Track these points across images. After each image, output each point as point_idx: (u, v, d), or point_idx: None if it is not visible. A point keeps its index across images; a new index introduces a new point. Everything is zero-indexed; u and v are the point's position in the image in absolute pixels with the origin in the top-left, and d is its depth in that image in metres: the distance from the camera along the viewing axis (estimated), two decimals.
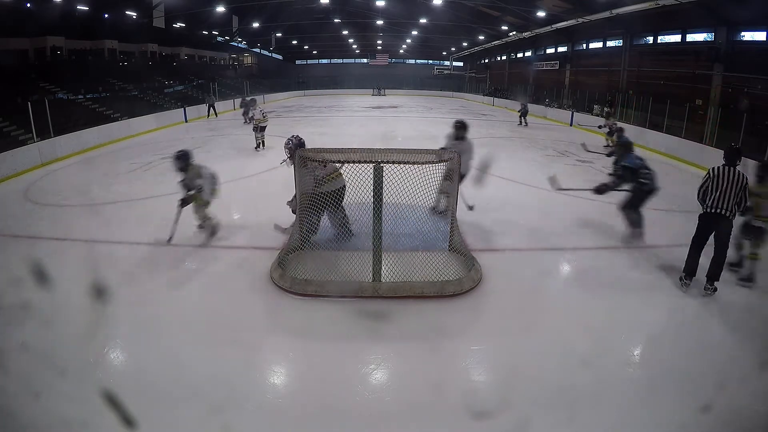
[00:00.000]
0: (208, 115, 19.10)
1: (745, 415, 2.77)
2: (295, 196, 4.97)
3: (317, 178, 4.63)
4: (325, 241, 4.79)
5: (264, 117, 11.29)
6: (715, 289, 4.10)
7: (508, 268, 4.74)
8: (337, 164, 4.60)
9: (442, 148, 5.64)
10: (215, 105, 19.66)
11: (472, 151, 5.91)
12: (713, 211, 4.09)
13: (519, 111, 18.59)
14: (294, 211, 4.99)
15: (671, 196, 7.81)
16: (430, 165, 4.13)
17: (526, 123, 17.96)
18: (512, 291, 4.31)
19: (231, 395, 2.85)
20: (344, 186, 4.65)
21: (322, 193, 4.55)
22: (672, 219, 6.55)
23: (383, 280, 4.13)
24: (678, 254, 5.29)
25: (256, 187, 7.89)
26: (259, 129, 11.02)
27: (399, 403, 2.87)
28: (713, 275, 4.09)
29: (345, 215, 4.86)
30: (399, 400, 2.90)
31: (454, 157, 4.44)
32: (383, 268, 4.13)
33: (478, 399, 2.92)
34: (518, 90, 26.17)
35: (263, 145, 11.08)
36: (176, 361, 3.18)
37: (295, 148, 5.15)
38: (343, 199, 4.75)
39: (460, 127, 5.99)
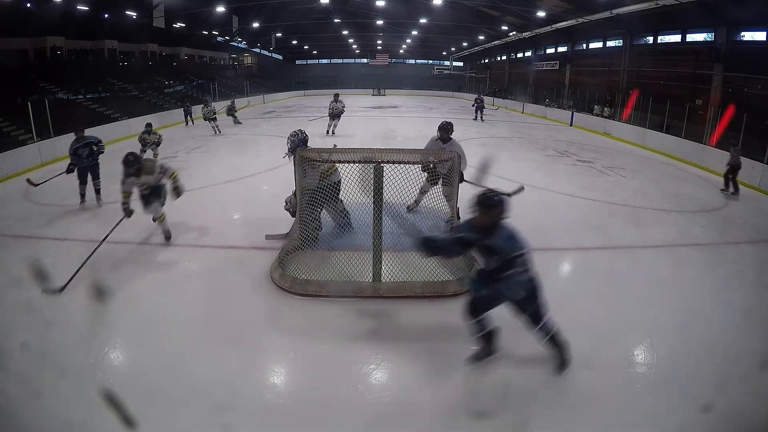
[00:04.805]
0: (186, 123, 17.11)
1: (745, 415, 2.78)
2: (292, 195, 4.97)
3: (319, 174, 4.62)
4: (326, 240, 4.78)
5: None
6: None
7: None
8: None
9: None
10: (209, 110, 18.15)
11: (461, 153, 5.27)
12: None
13: (474, 104, 19.01)
14: (292, 214, 4.99)
15: (671, 196, 7.84)
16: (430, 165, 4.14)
17: (482, 118, 18.40)
18: None
19: (231, 395, 2.85)
20: (340, 180, 4.58)
21: (320, 187, 4.54)
22: (671, 219, 6.56)
23: (383, 280, 4.13)
24: (678, 254, 5.32)
25: (257, 186, 7.89)
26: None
27: (399, 403, 2.87)
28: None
29: (344, 207, 4.83)
30: (399, 400, 2.90)
31: (455, 157, 4.44)
32: (383, 268, 4.13)
33: (478, 399, 2.93)
34: (518, 89, 26.15)
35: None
36: (176, 362, 3.18)
37: (297, 144, 5.20)
38: (339, 192, 4.67)
39: (445, 129, 5.60)
